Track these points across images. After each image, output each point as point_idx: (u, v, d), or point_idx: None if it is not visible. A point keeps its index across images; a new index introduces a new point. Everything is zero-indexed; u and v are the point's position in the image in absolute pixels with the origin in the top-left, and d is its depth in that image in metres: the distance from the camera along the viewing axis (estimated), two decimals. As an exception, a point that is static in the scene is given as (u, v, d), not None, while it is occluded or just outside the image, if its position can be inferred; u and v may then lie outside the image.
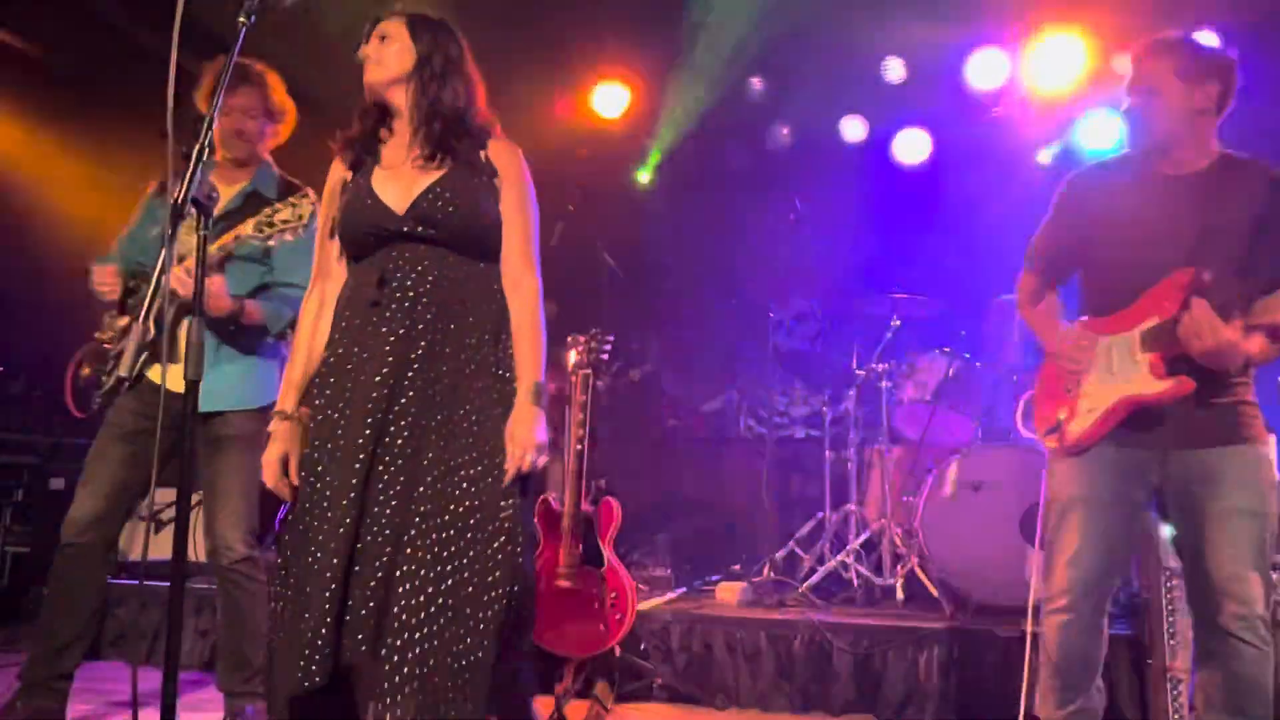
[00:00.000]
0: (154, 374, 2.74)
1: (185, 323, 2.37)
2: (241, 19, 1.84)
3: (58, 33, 4.56)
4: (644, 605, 3.67)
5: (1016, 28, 5.05)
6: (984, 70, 5.33)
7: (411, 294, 2.01)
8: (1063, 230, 2.45)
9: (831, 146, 5.93)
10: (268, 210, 2.60)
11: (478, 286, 2.10)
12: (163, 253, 1.67)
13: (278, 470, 2.02)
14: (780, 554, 4.55)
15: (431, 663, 1.78)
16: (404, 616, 1.80)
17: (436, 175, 2.07)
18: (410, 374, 1.96)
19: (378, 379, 1.93)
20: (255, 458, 2.41)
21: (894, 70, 5.50)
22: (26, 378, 5.24)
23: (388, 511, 1.88)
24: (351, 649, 1.81)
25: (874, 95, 5.62)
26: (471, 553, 1.86)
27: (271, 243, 2.61)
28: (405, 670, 1.77)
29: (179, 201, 1.63)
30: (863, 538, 4.23)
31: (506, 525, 1.89)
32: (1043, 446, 2.45)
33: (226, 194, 2.84)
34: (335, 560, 1.82)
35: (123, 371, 2.47)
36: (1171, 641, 2.95)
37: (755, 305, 5.28)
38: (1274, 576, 2.31)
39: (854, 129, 5.84)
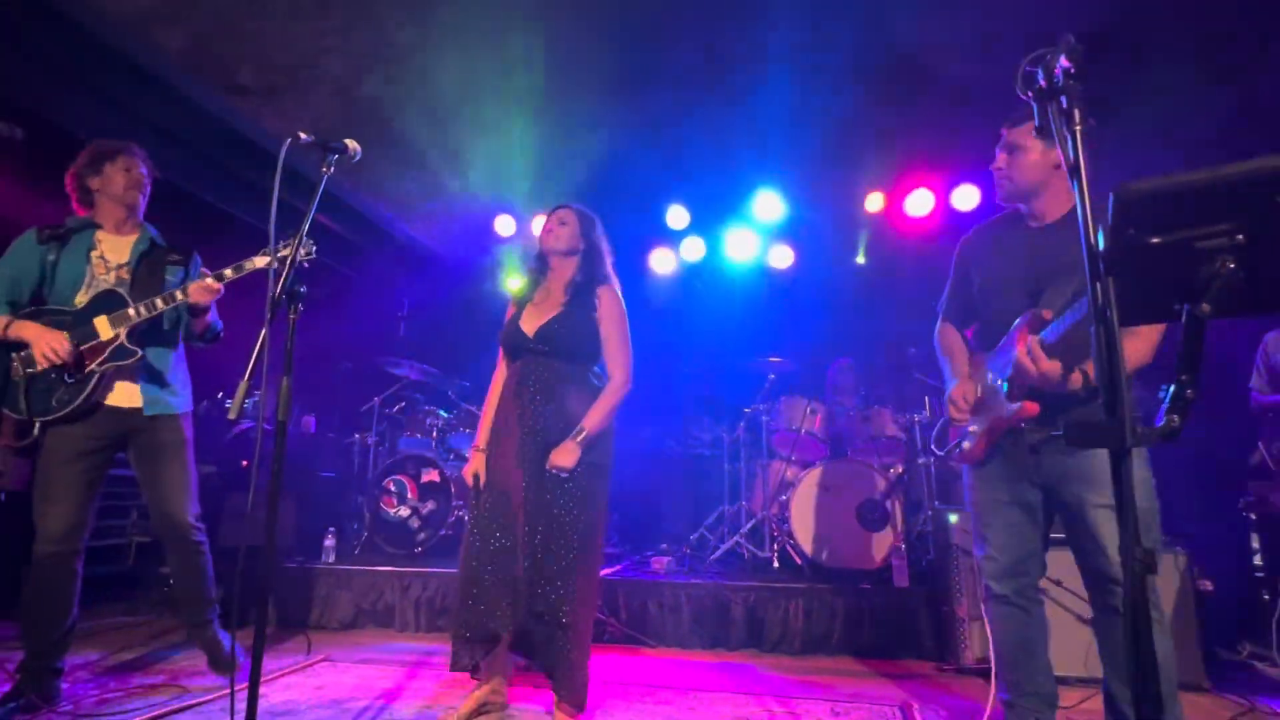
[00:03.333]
0: (112, 396, 2.42)
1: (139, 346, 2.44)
2: (324, 168, 1.83)
3: (192, 170, 4.47)
4: (601, 574, 3.61)
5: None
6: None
7: (533, 388, 2.32)
8: (960, 283, 2.12)
9: (723, 259, 6.07)
10: (189, 283, 2.44)
11: (576, 380, 2.37)
12: (263, 334, 1.64)
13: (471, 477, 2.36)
14: (694, 536, 4.53)
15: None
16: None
17: (556, 311, 2.38)
18: (531, 439, 2.27)
19: (518, 436, 2.29)
20: (191, 455, 2.60)
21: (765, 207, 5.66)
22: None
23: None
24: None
25: (755, 222, 5.77)
26: None
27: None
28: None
29: (277, 295, 1.61)
30: (750, 524, 4.24)
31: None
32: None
33: (128, 244, 2.56)
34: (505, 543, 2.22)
35: (80, 401, 2.32)
36: (959, 595, 2.99)
37: (676, 365, 5.33)
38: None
39: (744, 247, 5.97)
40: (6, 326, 2.33)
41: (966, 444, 1.98)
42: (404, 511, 4.22)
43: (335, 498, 4.78)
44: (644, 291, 6.16)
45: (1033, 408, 1.74)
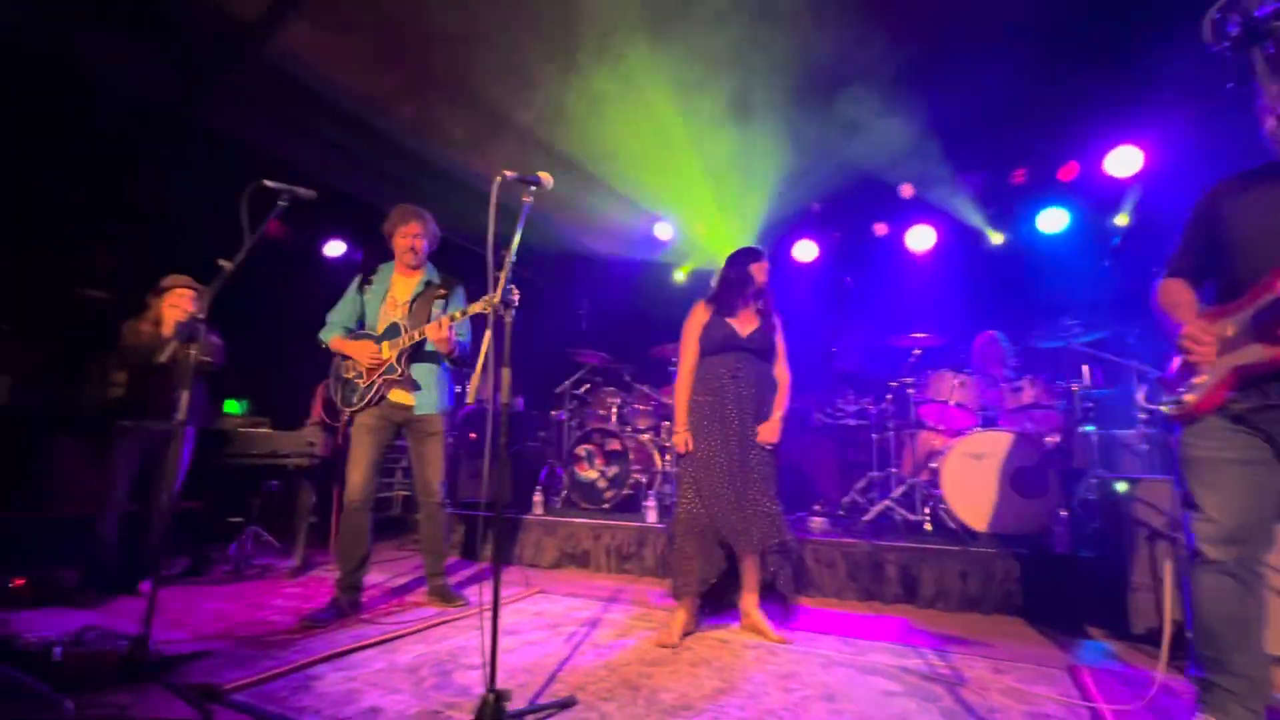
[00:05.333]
0: (393, 395, 2.85)
1: (409, 364, 2.85)
2: (527, 198, 1.96)
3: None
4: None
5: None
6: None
7: (744, 376, 2.65)
8: (1202, 239, 1.70)
9: (869, 241, 5.70)
10: (450, 309, 2.82)
11: (767, 373, 2.73)
12: (487, 335, 1.81)
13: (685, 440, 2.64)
14: (845, 500, 4.33)
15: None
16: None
17: (759, 323, 2.73)
18: (750, 414, 2.62)
19: (737, 415, 2.61)
20: (444, 442, 2.92)
21: (905, 190, 5.24)
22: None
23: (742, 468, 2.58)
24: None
25: (893, 207, 5.36)
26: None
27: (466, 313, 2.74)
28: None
29: (497, 302, 1.76)
30: (901, 489, 3.97)
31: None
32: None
33: (411, 285, 2.96)
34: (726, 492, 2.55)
35: (367, 399, 2.82)
36: (1130, 564, 2.59)
37: (821, 344, 5.10)
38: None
39: (880, 229, 5.59)
40: (343, 343, 2.91)
41: (1191, 395, 1.58)
42: (593, 474, 4.46)
43: (539, 463, 5.15)
44: (790, 279, 5.97)
45: None
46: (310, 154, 4.29)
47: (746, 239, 5.71)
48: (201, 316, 2.19)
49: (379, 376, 2.83)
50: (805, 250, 5.76)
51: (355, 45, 3.76)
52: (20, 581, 2.95)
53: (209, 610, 2.85)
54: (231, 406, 5.29)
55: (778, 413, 2.67)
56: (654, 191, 5.53)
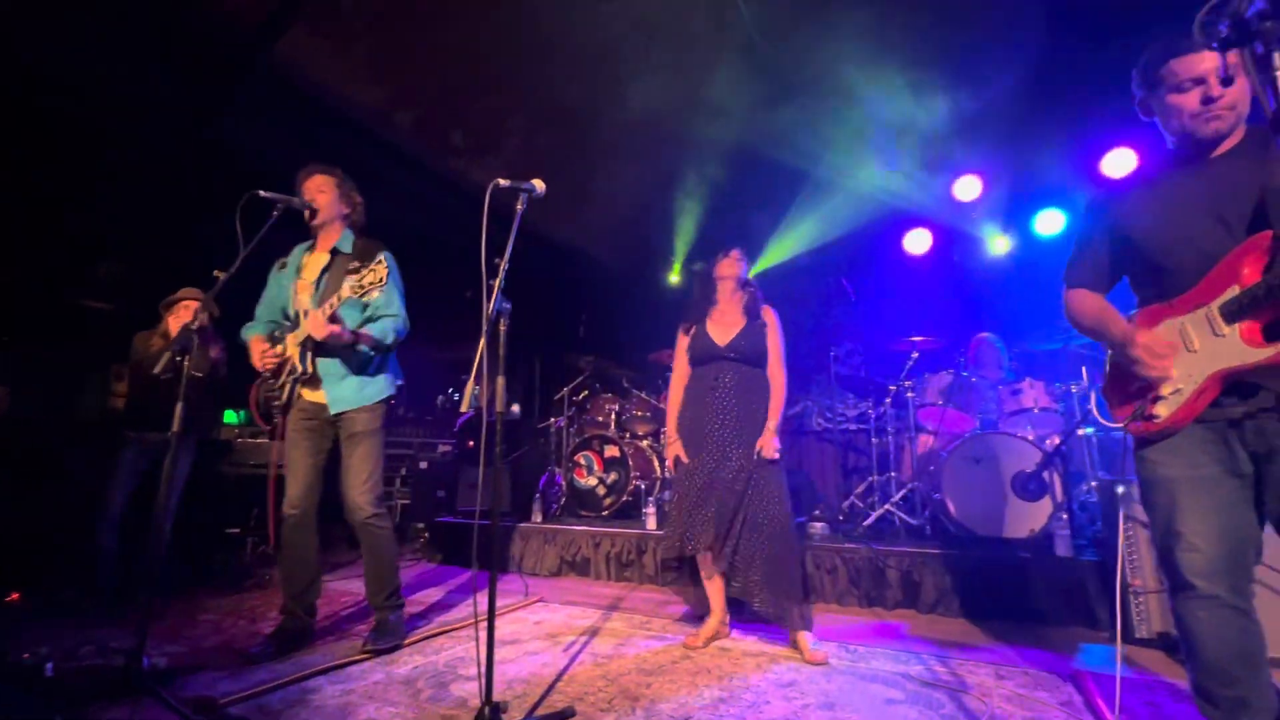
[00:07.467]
0: (307, 394, 2.43)
1: (314, 358, 2.37)
2: (518, 205, 1.95)
3: (426, 215, 4.99)
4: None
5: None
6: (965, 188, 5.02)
7: (726, 386, 2.52)
8: (1100, 244, 1.56)
9: (865, 246, 5.69)
10: (356, 276, 2.16)
11: (759, 380, 2.56)
12: (482, 344, 1.80)
13: (676, 453, 2.60)
14: (845, 504, 4.30)
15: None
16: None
17: (741, 326, 2.59)
18: (733, 424, 2.49)
19: (718, 426, 2.50)
20: (376, 443, 2.41)
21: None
22: (407, 403, 5.58)
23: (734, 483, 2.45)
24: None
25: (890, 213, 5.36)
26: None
27: (366, 299, 2.25)
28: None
29: (491, 314, 1.75)
30: (901, 493, 3.93)
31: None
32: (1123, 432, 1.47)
33: (320, 260, 2.48)
34: (711, 501, 2.43)
35: (282, 401, 2.43)
36: (1134, 567, 2.56)
37: (821, 348, 5.08)
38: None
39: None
40: (253, 342, 2.49)
41: (1166, 409, 1.38)
42: (592, 481, 4.44)
43: (538, 470, 5.13)
44: (789, 286, 5.96)
45: None
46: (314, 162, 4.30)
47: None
48: (195, 327, 2.18)
49: (286, 376, 2.43)
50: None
51: (359, 52, 3.76)
52: (15, 596, 2.93)
53: (207, 621, 2.83)
54: (230, 417, 5.27)
55: (770, 422, 2.48)
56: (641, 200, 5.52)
